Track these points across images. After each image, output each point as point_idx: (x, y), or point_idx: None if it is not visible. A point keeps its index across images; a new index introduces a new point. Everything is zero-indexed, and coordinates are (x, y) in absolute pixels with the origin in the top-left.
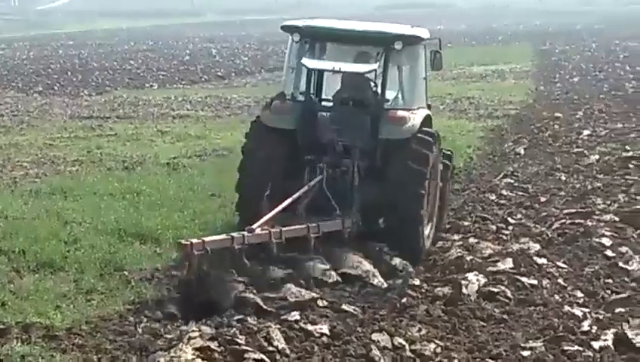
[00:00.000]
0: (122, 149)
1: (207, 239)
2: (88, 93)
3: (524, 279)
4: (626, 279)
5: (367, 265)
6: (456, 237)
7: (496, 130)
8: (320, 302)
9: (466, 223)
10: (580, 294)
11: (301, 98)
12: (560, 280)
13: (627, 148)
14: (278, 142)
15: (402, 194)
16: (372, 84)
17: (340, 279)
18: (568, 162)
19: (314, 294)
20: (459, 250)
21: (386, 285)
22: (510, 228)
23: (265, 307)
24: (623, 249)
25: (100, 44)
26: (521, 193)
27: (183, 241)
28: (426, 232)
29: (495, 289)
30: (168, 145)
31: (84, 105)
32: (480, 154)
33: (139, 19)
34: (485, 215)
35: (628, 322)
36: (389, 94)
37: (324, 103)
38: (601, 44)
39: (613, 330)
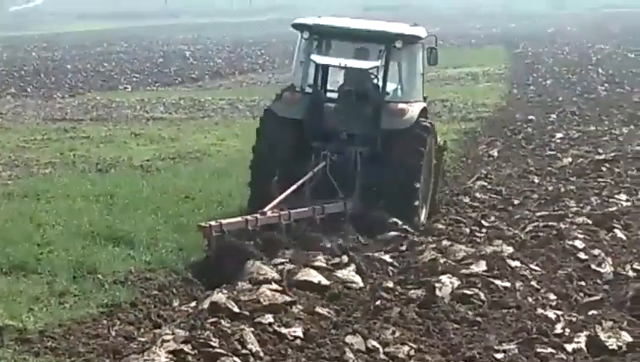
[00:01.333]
0: (96, 151)
1: (224, 221)
2: (62, 95)
3: (497, 282)
4: (598, 281)
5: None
6: (429, 239)
7: (470, 133)
8: (294, 305)
9: (439, 226)
10: (552, 296)
11: (309, 90)
12: (533, 283)
13: (600, 150)
14: (287, 130)
15: (402, 173)
16: (373, 78)
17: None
18: (541, 165)
19: (287, 297)
20: (432, 253)
21: (362, 285)
22: (484, 230)
23: (238, 310)
24: (596, 251)
25: (74, 46)
26: (494, 196)
27: (202, 224)
28: (422, 213)
29: (469, 292)
30: (142, 147)
31: (57, 108)
32: (453, 156)
33: (112, 21)
34: (459, 217)
35: (601, 324)
36: (390, 87)
37: (329, 95)
38: (573, 48)
39: (586, 333)
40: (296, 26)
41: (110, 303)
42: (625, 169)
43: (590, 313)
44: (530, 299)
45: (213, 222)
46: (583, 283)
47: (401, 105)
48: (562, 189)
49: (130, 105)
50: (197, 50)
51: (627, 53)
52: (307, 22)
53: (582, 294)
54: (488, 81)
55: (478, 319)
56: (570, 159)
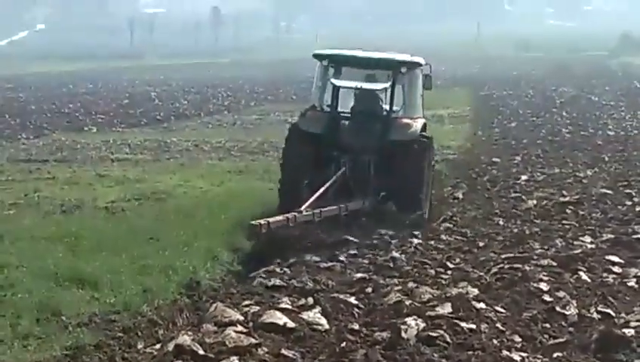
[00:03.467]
0: (60, 193)
1: (270, 220)
2: (26, 136)
3: (462, 323)
4: (563, 324)
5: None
6: (395, 281)
7: (435, 175)
8: (259, 347)
9: (405, 267)
10: (518, 339)
11: (327, 109)
12: (498, 325)
13: (564, 193)
14: (309, 142)
15: (410, 175)
16: (382, 98)
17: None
18: (506, 207)
19: (253, 339)
20: (398, 295)
21: (327, 327)
22: (449, 272)
23: (203, 352)
24: (561, 293)
25: (39, 87)
26: (459, 237)
27: (253, 222)
28: (425, 207)
29: (434, 334)
30: (107, 188)
31: (21, 148)
32: None
33: (77, 62)
34: (424, 259)
35: None
36: (396, 106)
37: (344, 113)
38: (537, 90)
39: None
40: (316, 56)
41: (74, 345)
42: (589, 211)
43: (555, 355)
44: (495, 341)
45: (262, 221)
46: (547, 325)
47: (406, 120)
48: (527, 231)
49: (96, 147)
50: (162, 92)
51: (590, 95)
52: (326, 52)
53: (547, 336)
54: (453, 123)
55: (444, 361)
56: (534, 201)
